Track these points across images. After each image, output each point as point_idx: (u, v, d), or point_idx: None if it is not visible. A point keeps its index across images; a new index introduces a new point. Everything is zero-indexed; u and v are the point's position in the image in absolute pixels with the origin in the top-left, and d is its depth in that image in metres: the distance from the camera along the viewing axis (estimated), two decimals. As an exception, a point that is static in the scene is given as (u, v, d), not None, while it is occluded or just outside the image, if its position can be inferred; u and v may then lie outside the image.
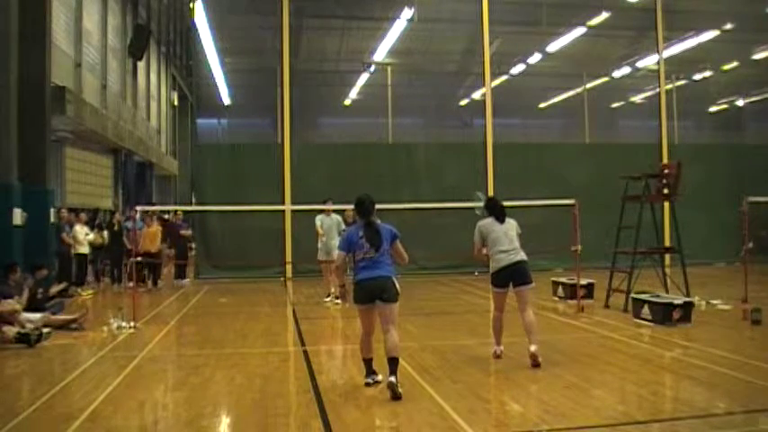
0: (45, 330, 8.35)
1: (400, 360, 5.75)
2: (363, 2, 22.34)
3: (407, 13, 20.16)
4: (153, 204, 22.65)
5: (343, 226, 11.68)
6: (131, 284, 11.20)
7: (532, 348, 6.56)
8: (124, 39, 23.72)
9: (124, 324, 9.16)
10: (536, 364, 6.51)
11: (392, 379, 5.55)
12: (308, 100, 22.11)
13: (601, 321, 9.46)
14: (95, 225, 15.93)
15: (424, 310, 11.29)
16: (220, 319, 10.52)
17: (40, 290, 9.89)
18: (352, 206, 7.21)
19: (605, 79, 25.57)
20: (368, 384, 5.96)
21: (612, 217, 10.91)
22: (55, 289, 10.72)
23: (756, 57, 24.05)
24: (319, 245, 12.05)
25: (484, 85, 18.32)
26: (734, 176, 17.92)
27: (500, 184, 16.83)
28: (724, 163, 18.81)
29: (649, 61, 22.51)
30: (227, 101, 26.66)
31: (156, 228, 14.88)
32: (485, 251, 6.98)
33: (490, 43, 18.27)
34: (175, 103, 34.24)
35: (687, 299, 9.33)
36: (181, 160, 33.45)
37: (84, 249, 14.19)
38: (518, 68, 25.10)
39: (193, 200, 21.06)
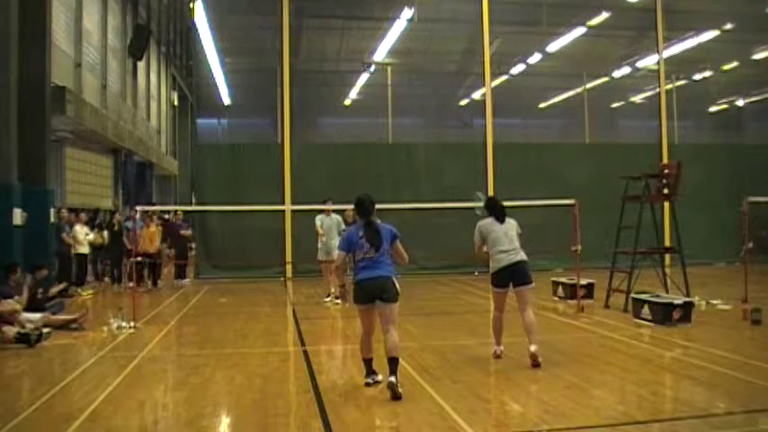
0: (45, 330, 8.36)
1: (400, 360, 5.75)
2: (363, 2, 22.32)
3: (407, 13, 20.15)
4: (153, 204, 22.65)
5: (343, 226, 11.68)
6: (131, 284, 11.21)
7: (532, 348, 6.57)
8: (124, 39, 23.71)
9: (124, 324, 9.17)
10: (536, 364, 6.51)
11: (392, 379, 5.55)
12: (308, 100, 22.09)
13: (601, 321, 9.46)
14: (95, 225, 15.94)
15: (424, 310, 11.29)
16: (220, 319, 10.52)
17: (40, 290, 9.90)
18: (352, 206, 7.21)
19: (605, 79, 25.54)
20: (368, 384, 5.96)
21: (612, 217, 10.91)
22: (55, 289, 10.71)
23: (756, 57, 24.04)
24: (319, 245, 12.06)
25: (484, 85, 18.32)
26: (734, 176, 17.92)
27: (500, 184, 16.83)
28: (724, 163, 18.82)
29: (649, 61, 22.50)
30: (227, 101, 26.64)
31: (154, 228, 14.89)
32: (485, 249, 6.98)
33: (490, 43, 18.27)
34: (175, 103, 34.22)
35: (687, 299, 9.33)
36: (181, 160, 33.44)
37: (84, 249, 14.19)
38: (518, 68, 25.07)
39: (193, 200, 21.05)
